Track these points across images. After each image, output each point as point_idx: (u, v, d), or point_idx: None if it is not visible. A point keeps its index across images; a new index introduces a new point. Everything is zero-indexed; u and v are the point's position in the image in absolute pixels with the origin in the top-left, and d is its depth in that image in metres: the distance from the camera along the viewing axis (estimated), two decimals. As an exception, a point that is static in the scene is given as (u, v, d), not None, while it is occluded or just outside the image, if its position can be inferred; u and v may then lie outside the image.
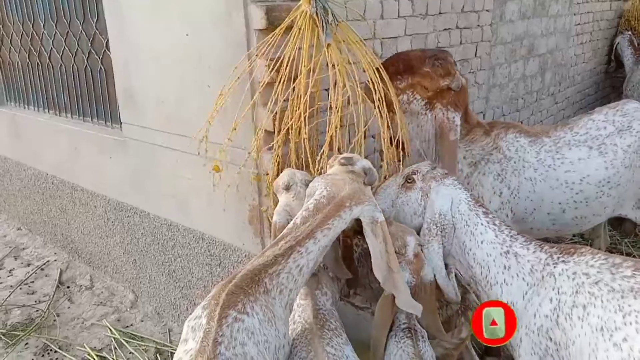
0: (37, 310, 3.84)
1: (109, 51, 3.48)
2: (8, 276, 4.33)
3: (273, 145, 2.45)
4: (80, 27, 3.67)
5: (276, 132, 2.47)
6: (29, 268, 4.40)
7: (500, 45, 4.30)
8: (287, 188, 2.20)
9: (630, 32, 6.20)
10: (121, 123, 3.44)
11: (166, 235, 3.37)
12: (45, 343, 3.48)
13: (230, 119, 2.47)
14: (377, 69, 2.40)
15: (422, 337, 2.04)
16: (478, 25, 3.94)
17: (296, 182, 2.20)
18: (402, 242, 2.08)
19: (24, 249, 4.75)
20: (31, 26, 4.18)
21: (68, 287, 4.13)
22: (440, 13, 3.50)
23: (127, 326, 3.62)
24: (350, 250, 2.22)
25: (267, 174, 2.55)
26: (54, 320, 3.72)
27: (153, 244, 3.50)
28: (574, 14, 5.41)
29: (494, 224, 2.11)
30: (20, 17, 4.29)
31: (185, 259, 3.29)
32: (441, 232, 2.17)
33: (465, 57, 3.89)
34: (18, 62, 4.53)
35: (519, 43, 4.56)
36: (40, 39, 4.13)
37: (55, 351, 3.41)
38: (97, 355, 3.30)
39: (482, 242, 2.10)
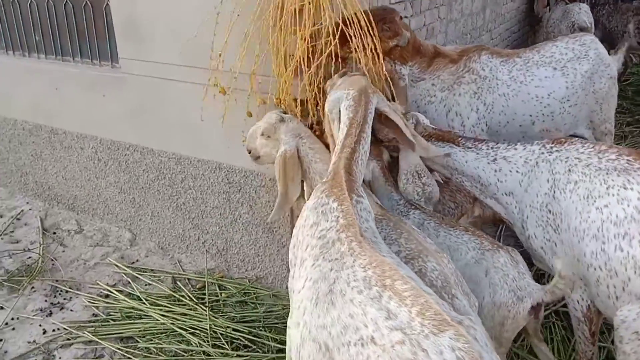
0: (29, 257, 3.78)
1: (97, -15, 3.40)
2: (-19, 228, 4.17)
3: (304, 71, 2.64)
4: (59, -40, 3.52)
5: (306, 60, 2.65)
6: (3, 219, 4.24)
7: (456, -17, 4.65)
8: (282, 120, 2.55)
9: None
10: (118, 59, 3.40)
11: (174, 169, 3.45)
12: (52, 285, 3.47)
13: (251, 45, 2.61)
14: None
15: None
16: (441, -38, 4.25)
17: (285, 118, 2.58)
18: None
19: (-13, 201, 4.54)
20: (-12, -40, 3.90)
21: (54, 233, 4.06)
22: (414, -51, 3.76)
23: (133, 262, 3.68)
24: None
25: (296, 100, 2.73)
26: (53, 265, 3.69)
27: (158, 180, 3.56)
28: (507, -45, 5.89)
29: (468, 147, 2.56)
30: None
31: (198, 190, 3.40)
32: (418, 176, 2.60)
33: (432, -8, 4.20)
34: (-32, 0, 4.20)
35: (469, -19, 4.94)
36: (1, -26, 3.88)
37: (67, 291, 3.42)
38: (115, 290, 3.37)
39: (466, 162, 2.56)
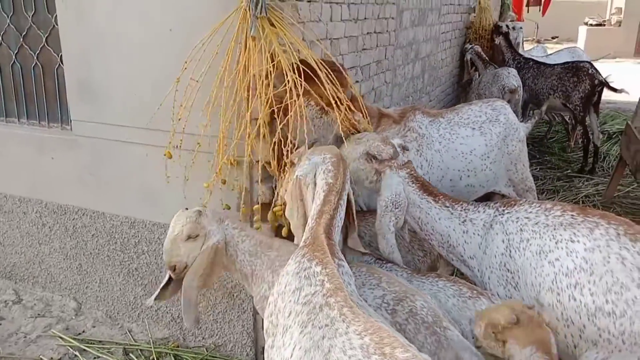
0: (-39, 332, 3.48)
1: (49, 46, 3.33)
2: None
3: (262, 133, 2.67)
4: (9, 21, 3.43)
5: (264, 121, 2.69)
6: None
7: (399, 49, 4.91)
8: (200, 213, 2.48)
9: (475, 46, 7.31)
10: (70, 121, 3.31)
11: (127, 233, 3.32)
12: (-12, 363, 3.20)
13: (213, 109, 2.65)
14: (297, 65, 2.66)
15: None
16: (387, 31, 4.48)
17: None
18: None
19: None
20: None
21: (-11, 304, 3.77)
22: (365, 18, 3.96)
23: (79, 333, 3.47)
24: None
25: (258, 161, 2.74)
26: (-12, 339, 3.41)
27: (108, 244, 3.42)
28: (442, 23, 6.29)
29: (446, 206, 2.64)
30: None
31: (152, 255, 3.29)
32: (394, 208, 2.65)
33: (379, 58, 4.40)
34: None
35: (410, 48, 5.22)
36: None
37: (5, 369, 3.16)
38: (60, 365, 3.15)
39: (439, 219, 2.64)
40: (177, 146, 2.82)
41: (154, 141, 3.02)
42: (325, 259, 1.75)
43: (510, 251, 2.39)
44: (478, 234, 2.54)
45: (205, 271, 2.39)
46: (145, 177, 3.14)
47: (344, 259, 1.87)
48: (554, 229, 2.27)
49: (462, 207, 2.61)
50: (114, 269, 3.46)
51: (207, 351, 3.24)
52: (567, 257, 2.19)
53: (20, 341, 3.41)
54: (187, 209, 2.48)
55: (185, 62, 2.68)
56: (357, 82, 3.85)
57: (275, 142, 2.62)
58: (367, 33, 4.04)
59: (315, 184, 2.14)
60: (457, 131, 3.51)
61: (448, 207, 2.62)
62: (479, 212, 2.57)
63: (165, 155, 2.82)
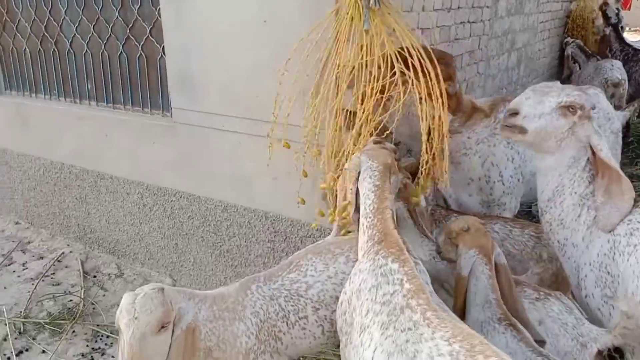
0: (70, 300, 3.80)
1: (153, 37, 3.54)
2: (24, 269, 4.22)
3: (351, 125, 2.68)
4: (117, 14, 3.68)
5: (359, 113, 2.71)
6: (44, 261, 4.30)
7: (494, 39, 4.75)
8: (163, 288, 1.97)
9: (577, 40, 6.90)
10: (170, 109, 3.51)
11: (220, 217, 3.48)
12: (93, 330, 3.48)
13: (302, 99, 2.68)
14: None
15: None
16: (481, 20, 4.36)
17: None
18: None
19: (29, 242, 4.61)
20: (48, 12, 4.09)
21: (94, 276, 4.10)
22: (459, 7, 3.87)
23: (173, 309, 3.68)
24: None
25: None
26: (94, 308, 3.71)
27: (202, 226, 3.60)
28: (540, 12, 6.01)
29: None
30: (32, 3, 4.17)
31: (243, 238, 3.43)
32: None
33: (472, 48, 4.29)
34: (25, 49, 4.39)
35: (505, 38, 5.04)
36: (59, 25, 4.06)
37: (108, 336, 3.42)
38: (156, 336, 3.35)
39: (575, 193, 2.32)
40: (267, 135, 2.89)
41: (247, 130, 3.13)
42: (402, 256, 1.72)
43: (614, 253, 2.21)
44: (587, 224, 2.31)
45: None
46: (237, 164, 3.26)
47: (418, 257, 1.84)
48: None
49: (590, 190, 2.30)
50: (206, 249, 3.64)
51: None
52: None
53: (121, 312, 3.67)
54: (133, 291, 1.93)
55: (292, 51, 2.70)
56: (448, 73, 3.78)
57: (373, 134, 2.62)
58: (461, 22, 3.95)
59: (357, 179, 2.12)
60: None
61: (589, 181, 2.29)
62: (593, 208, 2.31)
63: (283, 146, 2.83)
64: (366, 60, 2.63)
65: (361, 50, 2.64)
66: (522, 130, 2.25)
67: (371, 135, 2.59)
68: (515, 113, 2.27)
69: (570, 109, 2.21)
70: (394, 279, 1.67)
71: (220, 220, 3.49)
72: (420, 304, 1.55)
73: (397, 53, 2.57)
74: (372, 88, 2.60)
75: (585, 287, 2.35)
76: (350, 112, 2.73)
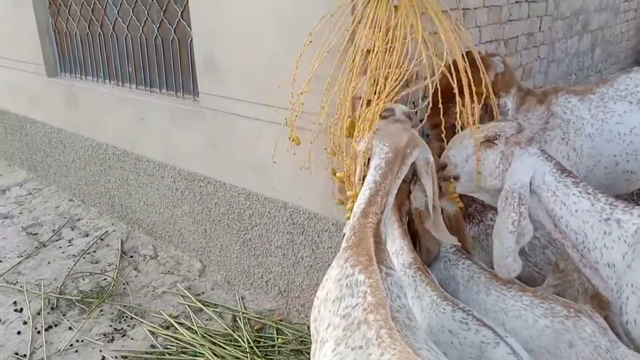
0: (104, 279, 3.90)
1: (184, 20, 3.49)
2: (69, 246, 4.38)
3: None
4: (152, -4, 3.67)
5: (374, 100, 2.49)
6: (89, 238, 4.45)
7: (560, 20, 4.31)
8: None
9: None
10: (198, 93, 3.45)
11: (243, 205, 3.41)
12: (120, 310, 3.54)
13: (321, 88, 2.49)
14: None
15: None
16: (544, 0, 3.95)
17: None
18: None
19: (79, 219, 4.79)
20: (93, -4, 4.17)
21: (131, 256, 4.18)
22: (513, -15, 3.51)
23: (199, 294, 3.67)
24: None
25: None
26: (124, 289, 3.78)
27: (228, 213, 3.54)
28: (624, -10, 5.42)
29: (588, 193, 2.08)
30: (81, -13, 4.27)
31: (264, 228, 3.34)
32: (519, 201, 2.14)
33: (531, 31, 3.90)
34: (76, 32, 4.51)
35: (576, 18, 4.56)
36: (103, 8, 4.12)
37: (132, 317, 3.46)
38: (175, 322, 3.36)
39: (576, 211, 2.08)
40: (284, 123, 2.76)
41: (267, 117, 3.01)
42: (370, 266, 1.56)
43: None
44: (625, 241, 1.97)
45: None
46: (258, 152, 3.16)
47: (393, 267, 1.66)
48: None
49: (607, 201, 2.04)
50: (232, 237, 3.59)
51: (307, 329, 3.22)
52: None
53: (149, 294, 3.72)
54: None
55: (310, 36, 2.53)
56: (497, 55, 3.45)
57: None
58: (516, 2, 3.59)
59: (363, 165, 1.96)
60: (612, 107, 2.96)
61: (590, 194, 2.07)
62: (632, 213, 1.99)
63: (293, 141, 2.71)
64: (391, 46, 2.42)
65: (387, 34, 2.42)
66: (456, 177, 2.32)
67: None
68: (444, 166, 2.33)
69: (494, 140, 2.26)
70: (359, 292, 1.53)
71: (244, 209, 3.42)
72: (377, 319, 1.41)
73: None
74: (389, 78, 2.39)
75: (627, 312, 2.02)
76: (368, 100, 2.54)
